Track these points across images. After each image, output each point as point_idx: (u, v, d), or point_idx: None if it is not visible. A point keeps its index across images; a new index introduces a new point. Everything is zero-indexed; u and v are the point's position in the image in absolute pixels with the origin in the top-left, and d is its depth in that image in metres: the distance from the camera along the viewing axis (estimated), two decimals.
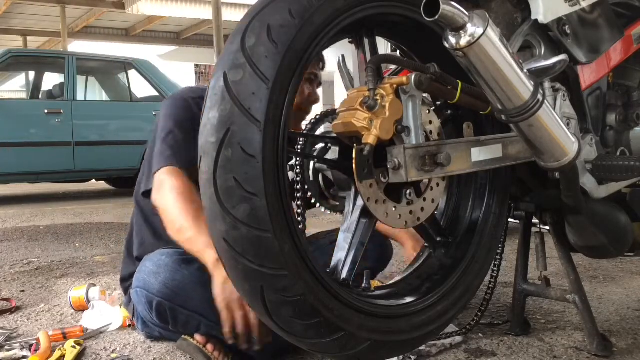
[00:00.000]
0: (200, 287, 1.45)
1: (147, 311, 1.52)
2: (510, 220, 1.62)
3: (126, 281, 1.77)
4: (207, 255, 1.37)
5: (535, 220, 1.70)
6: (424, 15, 0.96)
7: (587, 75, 1.46)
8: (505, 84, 1.06)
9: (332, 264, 1.19)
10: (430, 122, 1.26)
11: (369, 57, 1.23)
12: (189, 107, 1.63)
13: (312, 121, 1.25)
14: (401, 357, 1.46)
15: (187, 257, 1.48)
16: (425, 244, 1.43)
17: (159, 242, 1.64)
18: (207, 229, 1.41)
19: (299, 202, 1.20)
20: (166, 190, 1.52)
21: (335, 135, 1.18)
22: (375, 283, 1.69)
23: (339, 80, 1.39)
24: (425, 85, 1.14)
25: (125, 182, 7.13)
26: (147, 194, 1.61)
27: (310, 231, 2.08)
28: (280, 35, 1.02)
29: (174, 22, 14.01)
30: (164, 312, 1.47)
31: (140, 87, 7.10)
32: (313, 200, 1.24)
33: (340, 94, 1.54)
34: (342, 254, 1.19)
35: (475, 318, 1.63)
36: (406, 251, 1.89)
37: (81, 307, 2.02)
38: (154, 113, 6.28)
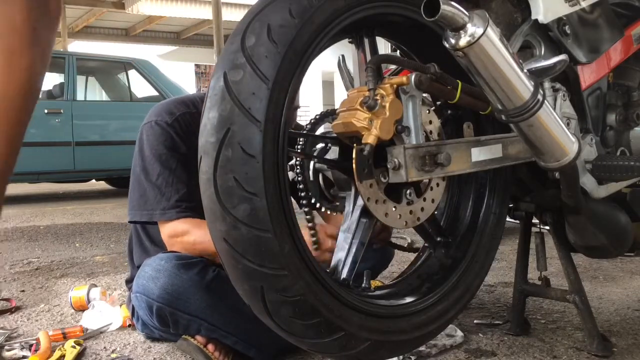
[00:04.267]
0: (200, 291, 1.45)
1: (148, 316, 1.52)
2: (510, 220, 1.61)
3: (130, 282, 1.77)
4: None
5: (535, 220, 1.70)
6: (424, 15, 0.96)
7: (587, 75, 1.46)
8: (505, 84, 1.06)
9: (332, 264, 1.19)
10: (430, 122, 1.26)
11: (369, 57, 1.23)
12: (170, 138, 1.63)
13: (312, 121, 1.25)
14: (401, 357, 1.46)
15: (186, 261, 1.47)
16: (425, 244, 1.43)
17: (158, 249, 1.64)
18: None
19: (304, 202, 1.20)
20: (180, 242, 1.55)
21: (335, 135, 1.18)
22: (375, 283, 1.69)
23: (339, 80, 1.39)
24: (425, 85, 1.14)
25: (125, 182, 7.08)
26: (134, 222, 1.66)
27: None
28: (280, 35, 1.02)
29: (174, 22, 14.02)
30: (165, 317, 1.47)
31: (140, 87, 7.09)
32: (313, 200, 1.24)
33: (340, 94, 1.54)
34: (342, 254, 1.19)
35: None
36: None
37: (81, 307, 2.02)
38: None
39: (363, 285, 1.23)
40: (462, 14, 0.98)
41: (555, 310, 1.92)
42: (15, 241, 3.72)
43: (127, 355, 1.61)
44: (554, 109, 1.25)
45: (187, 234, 1.54)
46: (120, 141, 6.38)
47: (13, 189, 7.80)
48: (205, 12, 12.44)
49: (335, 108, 1.20)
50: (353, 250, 1.18)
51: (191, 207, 1.56)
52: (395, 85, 1.13)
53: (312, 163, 1.23)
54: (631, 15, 1.61)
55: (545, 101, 1.11)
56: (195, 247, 1.52)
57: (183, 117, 1.66)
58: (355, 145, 1.10)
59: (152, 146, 1.62)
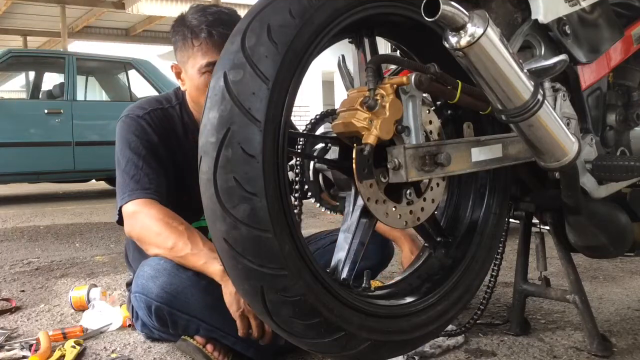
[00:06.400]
0: (199, 291, 1.45)
1: (147, 316, 1.52)
2: (510, 220, 1.61)
3: (130, 285, 1.77)
4: (213, 267, 1.39)
5: (535, 220, 1.70)
6: (424, 16, 0.96)
7: (587, 75, 1.46)
8: (505, 84, 1.06)
9: (332, 264, 1.19)
10: (430, 122, 1.26)
11: (369, 57, 1.23)
12: (140, 127, 1.65)
13: (312, 121, 1.25)
14: (404, 357, 1.46)
15: None
16: (425, 244, 1.43)
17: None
18: (202, 241, 1.43)
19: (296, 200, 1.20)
20: (141, 219, 1.53)
21: (335, 135, 1.18)
22: (375, 283, 1.69)
23: (339, 80, 1.39)
24: (425, 85, 1.14)
25: None
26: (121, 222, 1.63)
27: (310, 231, 2.08)
28: (280, 35, 1.02)
29: None
30: (164, 317, 1.47)
31: (140, 87, 7.09)
32: (313, 200, 1.24)
33: (340, 94, 1.54)
34: (342, 254, 1.19)
35: (475, 316, 1.63)
36: (404, 254, 1.87)
37: (81, 307, 2.02)
38: None
39: (363, 285, 1.23)
40: (462, 14, 0.98)
41: (555, 310, 1.92)
42: (15, 241, 3.72)
43: (127, 355, 1.60)
44: (554, 109, 1.25)
45: (151, 209, 1.51)
46: None
47: (13, 189, 7.82)
48: None
49: (335, 108, 1.20)
50: (353, 250, 1.18)
51: (159, 193, 1.56)
52: (395, 85, 1.13)
53: (312, 163, 1.23)
54: (631, 15, 1.61)
55: (545, 101, 1.11)
56: (151, 230, 1.50)
57: (155, 112, 1.70)
58: (355, 145, 1.10)
59: (123, 136, 1.66)
